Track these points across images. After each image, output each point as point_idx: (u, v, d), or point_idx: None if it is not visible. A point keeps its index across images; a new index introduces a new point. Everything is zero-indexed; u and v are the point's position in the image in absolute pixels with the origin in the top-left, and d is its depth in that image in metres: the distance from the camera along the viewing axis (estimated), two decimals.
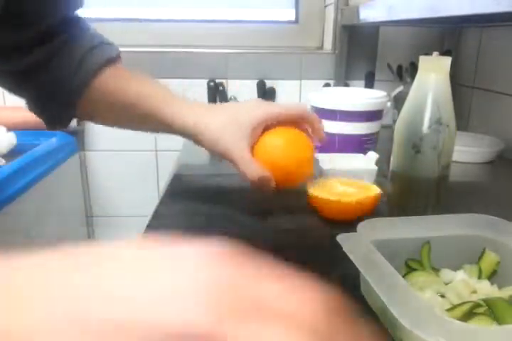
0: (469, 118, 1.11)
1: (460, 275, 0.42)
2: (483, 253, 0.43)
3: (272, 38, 1.32)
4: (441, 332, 0.27)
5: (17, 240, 0.93)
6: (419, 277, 0.41)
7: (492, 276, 0.42)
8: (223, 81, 1.24)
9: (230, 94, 1.24)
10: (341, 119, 0.80)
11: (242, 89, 1.25)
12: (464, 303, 0.37)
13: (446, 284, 0.41)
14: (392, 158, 0.59)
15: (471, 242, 0.43)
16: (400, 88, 1.06)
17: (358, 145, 0.81)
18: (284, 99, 1.25)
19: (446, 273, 0.43)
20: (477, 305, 0.36)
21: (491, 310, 0.35)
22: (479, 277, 0.42)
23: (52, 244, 0.20)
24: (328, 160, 0.70)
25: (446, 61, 0.53)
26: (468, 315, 0.35)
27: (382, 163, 0.70)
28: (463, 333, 0.27)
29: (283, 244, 0.53)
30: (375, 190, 0.59)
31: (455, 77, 1.05)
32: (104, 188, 1.35)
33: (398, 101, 1.05)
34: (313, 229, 0.59)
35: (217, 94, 1.22)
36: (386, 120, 0.90)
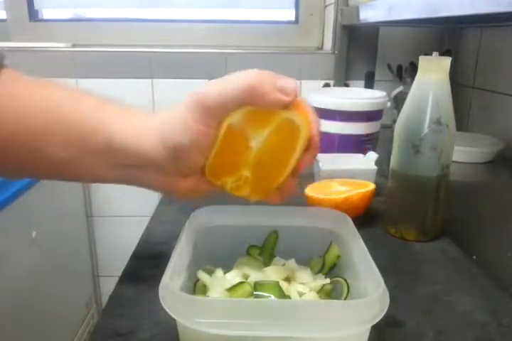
0: (469, 118, 1.10)
1: (291, 263, 0.45)
2: (329, 246, 0.45)
3: (271, 38, 1.32)
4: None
5: (17, 240, 0.93)
6: (242, 260, 0.45)
7: (332, 269, 0.45)
8: None
9: None
10: (341, 119, 0.80)
11: None
12: (240, 283, 0.39)
13: None
14: (392, 158, 0.59)
15: (320, 235, 0.46)
16: (400, 88, 1.06)
17: (358, 145, 0.81)
18: None
19: (277, 261, 0.45)
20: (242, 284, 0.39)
21: (256, 289, 0.38)
22: (321, 269, 0.45)
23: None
24: (328, 160, 0.70)
25: (446, 61, 0.53)
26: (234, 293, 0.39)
27: (382, 163, 0.70)
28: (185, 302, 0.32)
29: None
30: (368, 187, 0.60)
31: (455, 77, 1.05)
32: (104, 188, 1.35)
33: (398, 101, 1.05)
34: None
35: None
36: (386, 120, 0.90)
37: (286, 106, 0.34)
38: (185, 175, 0.38)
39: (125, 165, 0.37)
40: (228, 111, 0.34)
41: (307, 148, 0.37)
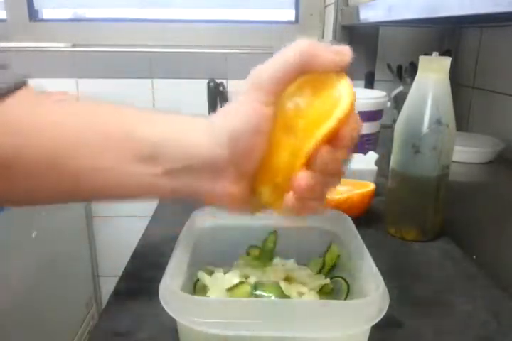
0: (469, 118, 1.10)
1: (291, 263, 0.45)
2: (329, 246, 0.45)
3: (271, 38, 1.32)
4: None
5: (18, 240, 0.93)
6: (242, 260, 0.45)
7: (332, 269, 0.44)
8: (223, 81, 1.24)
9: (230, 94, 1.24)
10: None
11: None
12: (240, 283, 0.39)
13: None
14: (392, 158, 0.59)
15: (320, 235, 0.45)
16: (400, 88, 1.06)
17: (358, 145, 0.81)
18: None
19: (277, 261, 0.45)
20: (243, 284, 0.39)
21: (256, 289, 0.38)
22: (321, 269, 0.44)
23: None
24: None
25: (446, 61, 0.53)
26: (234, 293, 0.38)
27: (382, 163, 0.70)
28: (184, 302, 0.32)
29: None
30: (369, 187, 0.60)
31: (455, 77, 1.05)
32: None
33: (398, 101, 1.05)
34: None
35: (217, 94, 1.22)
36: (386, 120, 0.90)
37: (343, 68, 0.32)
38: (244, 178, 0.32)
39: (177, 171, 0.31)
40: (284, 84, 0.31)
41: (345, 122, 0.31)
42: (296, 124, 0.31)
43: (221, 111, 0.32)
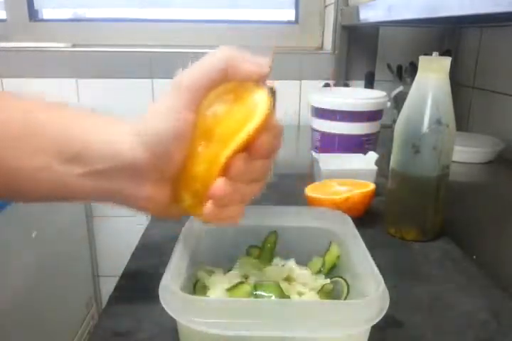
0: (469, 118, 1.10)
1: (291, 263, 0.44)
2: (329, 246, 0.45)
3: (271, 38, 1.32)
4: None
5: (18, 240, 0.93)
6: (242, 260, 0.45)
7: (332, 269, 0.44)
8: None
9: None
10: (341, 119, 0.80)
11: None
12: (240, 283, 0.39)
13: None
14: (392, 158, 0.59)
15: (320, 235, 0.45)
16: (400, 88, 1.06)
17: (358, 145, 0.81)
18: (284, 99, 1.24)
19: (277, 261, 0.45)
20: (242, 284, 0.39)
21: (256, 289, 0.38)
22: (321, 269, 0.44)
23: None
24: (328, 160, 0.70)
25: (446, 61, 0.53)
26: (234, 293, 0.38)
27: (382, 163, 0.70)
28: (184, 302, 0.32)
29: None
30: (368, 187, 0.61)
31: (455, 77, 1.05)
32: None
33: (398, 101, 1.05)
34: None
35: None
36: (386, 120, 0.90)
37: (262, 78, 0.32)
38: (165, 183, 0.33)
39: (99, 172, 0.31)
40: (206, 90, 0.32)
41: (265, 129, 0.31)
42: (214, 132, 0.32)
43: (148, 112, 0.32)
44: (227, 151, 0.31)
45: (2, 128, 0.31)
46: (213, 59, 0.32)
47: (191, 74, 0.32)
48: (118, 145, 0.31)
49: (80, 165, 0.31)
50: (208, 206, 0.32)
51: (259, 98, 0.32)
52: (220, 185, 0.31)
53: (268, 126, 0.32)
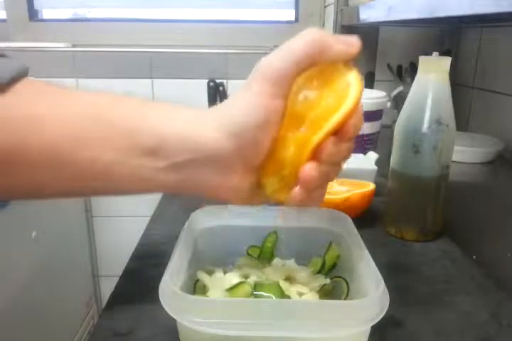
0: (469, 118, 1.10)
1: (291, 263, 0.45)
2: (329, 246, 0.45)
3: (271, 38, 1.32)
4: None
5: (18, 240, 0.93)
6: (242, 260, 0.45)
7: (332, 269, 0.44)
8: (223, 81, 1.24)
9: (229, 94, 1.24)
10: None
11: None
12: (240, 283, 0.39)
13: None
14: (392, 158, 0.59)
15: (320, 235, 0.45)
16: (400, 88, 1.06)
17: (358, 145, 0.81)
18: None
19: (277, 261, 0.45)
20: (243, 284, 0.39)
21: (256, 289, 0.38)
22: (321, 269, 0.44)
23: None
24: None
25: (446, 61, 0.53)
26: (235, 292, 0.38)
27: (382, 162, 0.70)
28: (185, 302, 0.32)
29: None
30: (368, 187, 0.60)
31: (455, 77, 1.05)
32: None
33: (398, 101, 1.05)
34: None
35: (217, 94, 1.22)
36: (386, 120, 0.90)
37: (354, 57, 0.31)
38: (250, 171, 0.32)
39: (181, 165, 0.30)
40: (293, 75, 0.30)
41: (352, 115, 0.31)
42: (304, 116, 0.31)
43: (229, 101, 0.31)
44: (320, 135, 0.30)
45: (75, 123, 0.30)
46: (301, 43, 0.30)
47: (276, 59, 0.30)
48: (198, 135, 0.30)
49: (159, 159, 0.30)
50: (297, 190, 0.31)
51: (350, 80, 0.31)
52: (311, 168, 0.30)
53: (357, 108, 0.31)
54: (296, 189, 0.31)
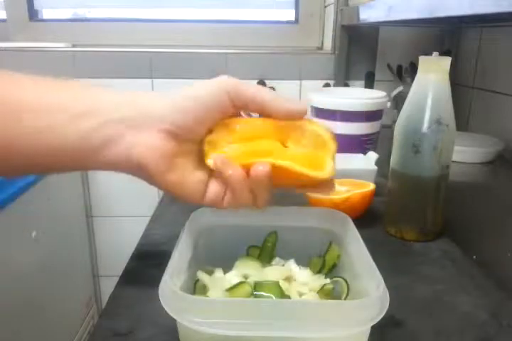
0: (469, 118, 1.10)
1: (290, 263, 0.45)
2: (329, 246, 0.45)
3: (271, 37, 1.32)
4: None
5: (17, 240, 0.93)
6: (242, 260, 0.45)
7: (332, 269, 0.45)
8: None
9: None
10: (341, 119, 0.80)
11: None
12: (240, 283, 0.39)
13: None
14: (392, 158, 0.59)
15: (320, 235, 0.46)
16: (400, 88, 1.06)
17: (358, 145, 0.81)
18: None
19: (277, 261, 0.46)
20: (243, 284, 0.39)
21: (256, 289, 0.39)
22: (321, 269, 0.45)
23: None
24: None
25: (446, 61, 0.53)
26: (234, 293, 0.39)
27: (382, 163, 0.70)
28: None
29: None
30: (368, 187, 0.61)
31: (455, 77, 1.05)
32: (104, 188, 1.34)
33: (398, 101, 1.05)
34: None
35: None
36: (386, 120, 0.90)
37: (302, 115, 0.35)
38: (183, 149, 0.35)
39: (110, 121, 0.33)
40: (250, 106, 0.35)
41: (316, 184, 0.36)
42: (298, 138, 0.35)
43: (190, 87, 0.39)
44: (283, 164, 0.34)
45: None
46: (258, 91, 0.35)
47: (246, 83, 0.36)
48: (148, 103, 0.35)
49: (93, 117, 0.33)
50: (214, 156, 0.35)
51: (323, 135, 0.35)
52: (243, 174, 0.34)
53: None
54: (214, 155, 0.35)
